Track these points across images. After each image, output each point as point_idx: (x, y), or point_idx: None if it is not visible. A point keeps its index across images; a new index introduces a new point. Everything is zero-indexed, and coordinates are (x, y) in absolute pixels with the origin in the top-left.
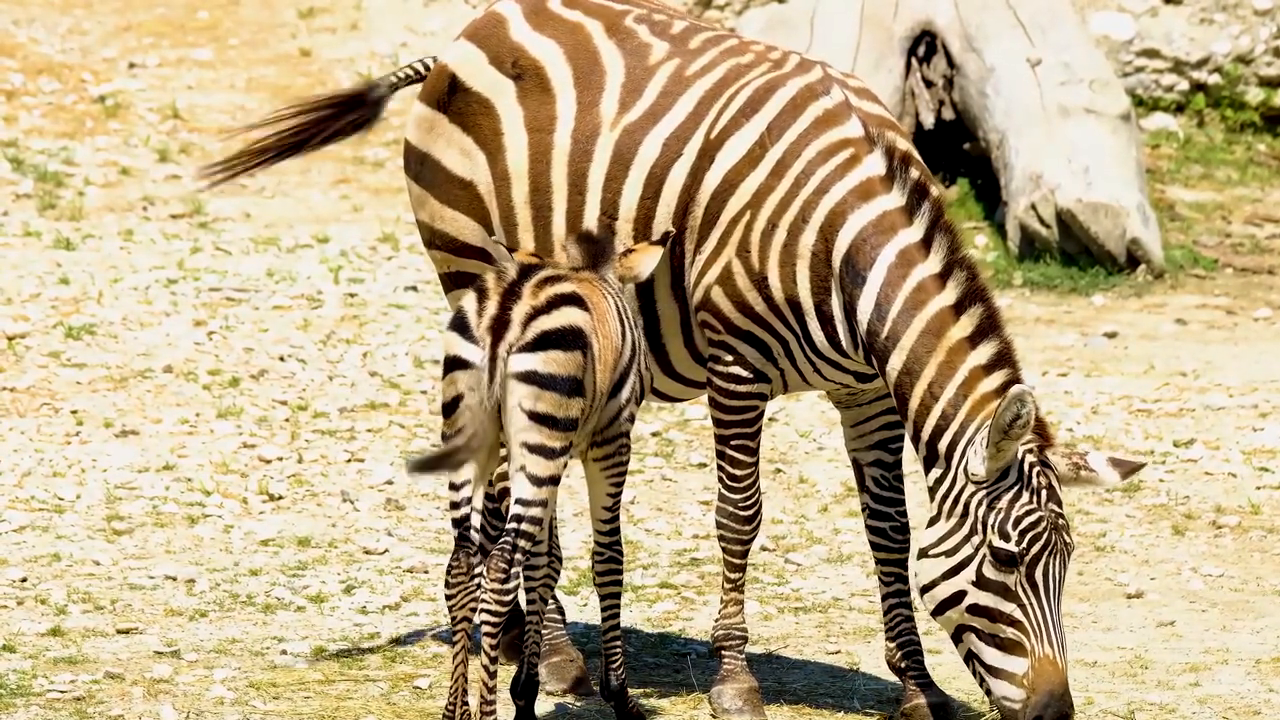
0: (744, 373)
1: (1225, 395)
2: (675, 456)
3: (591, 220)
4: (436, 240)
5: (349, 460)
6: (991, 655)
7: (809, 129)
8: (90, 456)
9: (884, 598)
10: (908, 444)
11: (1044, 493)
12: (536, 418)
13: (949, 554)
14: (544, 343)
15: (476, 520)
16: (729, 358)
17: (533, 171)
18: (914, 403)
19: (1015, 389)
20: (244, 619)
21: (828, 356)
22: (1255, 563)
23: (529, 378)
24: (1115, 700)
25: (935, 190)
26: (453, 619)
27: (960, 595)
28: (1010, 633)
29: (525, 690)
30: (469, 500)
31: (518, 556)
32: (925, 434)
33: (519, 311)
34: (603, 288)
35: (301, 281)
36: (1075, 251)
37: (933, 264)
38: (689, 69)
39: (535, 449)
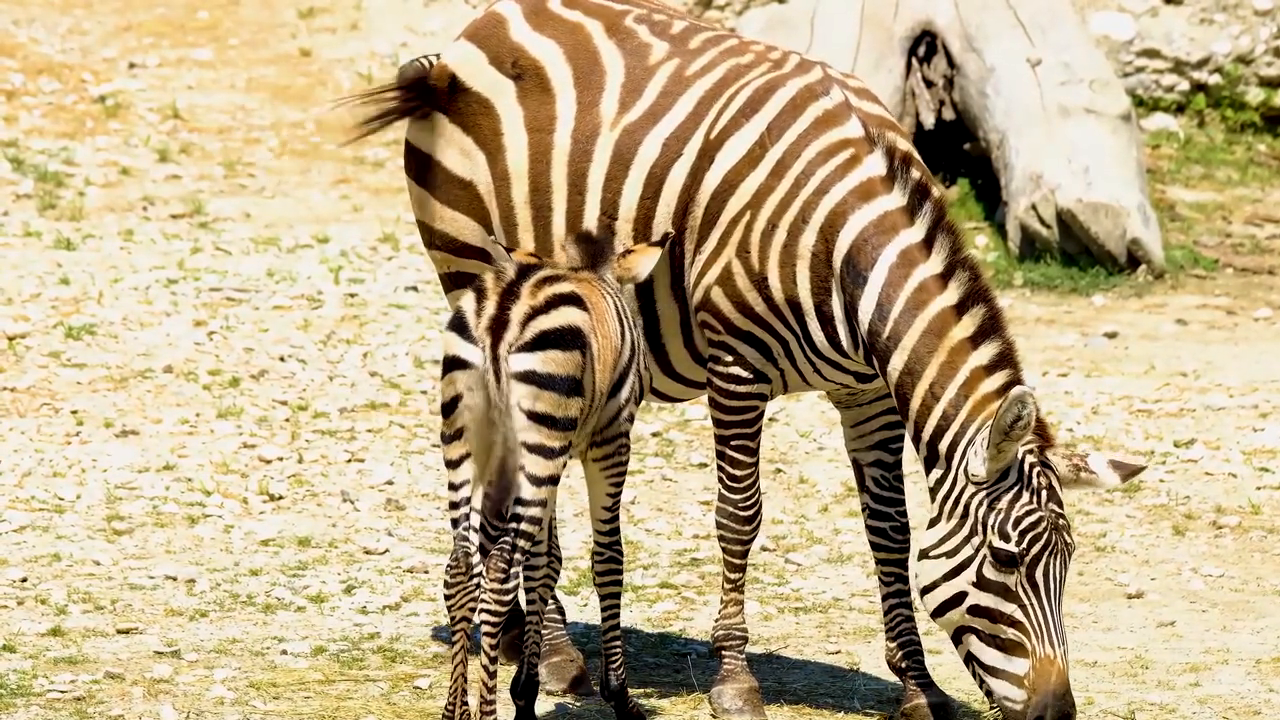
0: (744, 373)
1: (1225, 395)
2: (675, 456)
3: (591, 220)
4: (436, 240)
5: (349, 460)
6: (992, 656)
7: (809, 129)
8: (90, 456)
9: (884, 598)
10: (908, 444)
11: (1044, 493)
12: (535, 417)
13: (949, 555)
14: (542, 342)
15: (476, 520)
16: (729, 358)
17: (533, 171)
18: (915, 403)
19: (1016, 390)
20: (244, 619)
21: (828, 357)
22: (1255, 563)
23: (528, 377)
24: (1115, 700)
25: (937, 191)
26: (452, 619)
27: (961, 596)
28: (1011, 633)
29: (525, 690)
30: (468, 500)
31: (517, 556)
32: (926, 434)
33: (517, 311)
34: (602, 288)
35: (302, 281)
36: (1075, 252)
37: (934, 264)
38: (689, 69)
39: (534, 449)
